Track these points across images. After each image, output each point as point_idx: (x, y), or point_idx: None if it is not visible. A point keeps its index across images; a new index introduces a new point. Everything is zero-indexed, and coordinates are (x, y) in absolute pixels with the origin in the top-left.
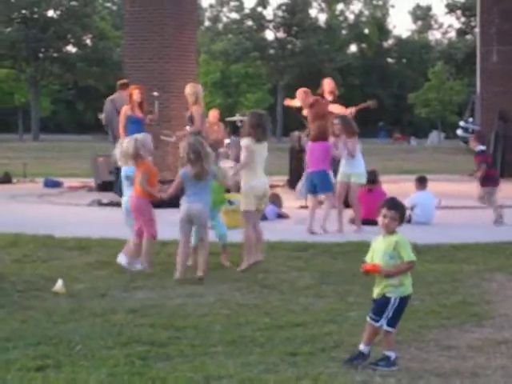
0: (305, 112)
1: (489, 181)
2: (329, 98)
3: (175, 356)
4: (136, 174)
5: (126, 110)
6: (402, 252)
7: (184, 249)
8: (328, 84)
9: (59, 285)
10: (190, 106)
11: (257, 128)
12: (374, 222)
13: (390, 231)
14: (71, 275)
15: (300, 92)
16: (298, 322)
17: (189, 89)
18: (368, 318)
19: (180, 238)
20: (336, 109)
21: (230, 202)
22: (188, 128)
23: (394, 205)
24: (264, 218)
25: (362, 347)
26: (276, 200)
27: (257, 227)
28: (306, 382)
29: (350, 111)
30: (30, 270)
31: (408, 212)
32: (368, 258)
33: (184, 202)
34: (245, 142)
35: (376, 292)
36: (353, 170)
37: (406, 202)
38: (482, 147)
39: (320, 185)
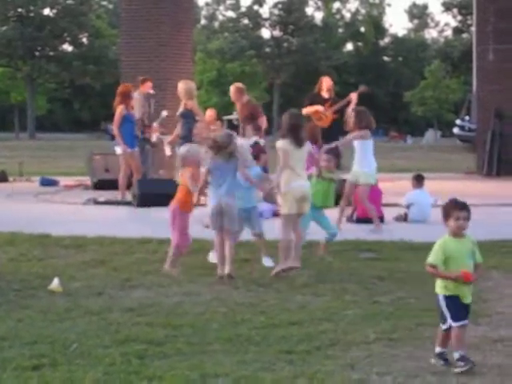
0: (238, 107)
1: None
2: (325, 95)
3: (172, 354)
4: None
5: (121, 109)
6: (477, 253)
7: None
8: (326, 82)
9: (55, 283)
10: (183, 102)
11: (294, 129)
12: (370, 221)
13: (463, 232)
14: (67, 273)
15: (234, 88)
16: (294, 320)
17: (182, 85)
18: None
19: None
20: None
21: None
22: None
23: (465, 205)
24: (259, 215)
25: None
26: (272, 198)
27: (297, 231)
28: (302, 381)
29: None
30: (25, 269)
31: (404, 210)
32: (439, 262)
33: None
34: (280, 144)
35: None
36: (362, 168)
37: (403, 201)
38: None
39: None
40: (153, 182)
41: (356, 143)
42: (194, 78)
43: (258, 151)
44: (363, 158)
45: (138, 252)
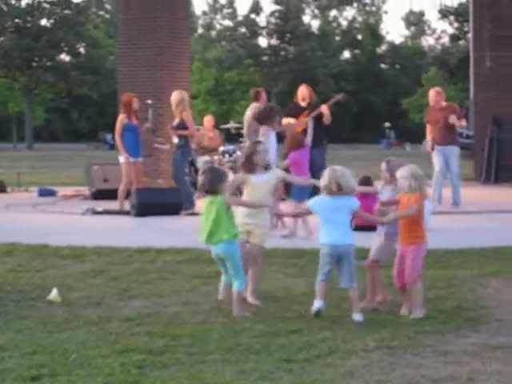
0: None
1: None
2: (303, 104)
3: (171, 364)
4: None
5: (122, 117)
6: None
7: None
8: (301, 92)
9: (54, 294)
10: (176, 113)
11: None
12: (367, 228)
13: None
14: (66, 284)
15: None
16: (293, 328)
17: (175, 96)
18: None
19: None
20: None
21: None
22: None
23: None
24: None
25: None
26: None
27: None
28: None
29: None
30: (24, 280)
31: None
32: None
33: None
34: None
35: None
36: None
37: None
38: None
39: (294, 191)
40: (151, 192)
41: None
42: (191, 87)
43: None
44: None
45: (136, 262)
